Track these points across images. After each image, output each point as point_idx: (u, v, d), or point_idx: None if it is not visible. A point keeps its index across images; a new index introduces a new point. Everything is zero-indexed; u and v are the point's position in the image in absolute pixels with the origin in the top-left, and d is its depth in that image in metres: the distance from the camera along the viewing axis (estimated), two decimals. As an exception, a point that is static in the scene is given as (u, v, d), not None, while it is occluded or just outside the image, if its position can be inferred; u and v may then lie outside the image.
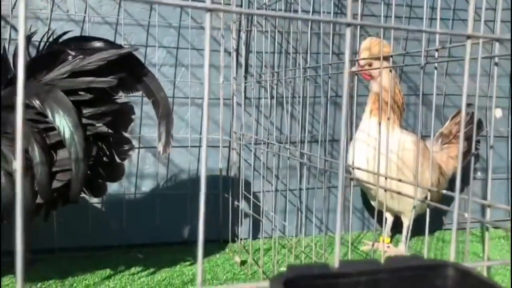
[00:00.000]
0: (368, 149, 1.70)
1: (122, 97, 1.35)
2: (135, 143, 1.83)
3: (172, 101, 1.86)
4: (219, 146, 1.89)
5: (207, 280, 1.58)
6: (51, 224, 1.70)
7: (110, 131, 1.31)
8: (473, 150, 1.96)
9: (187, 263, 1.69)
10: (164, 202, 1.88)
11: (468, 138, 2.00)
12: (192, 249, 1.80)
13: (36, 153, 1.17)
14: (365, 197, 2.08)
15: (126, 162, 1.76)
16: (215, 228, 1.91)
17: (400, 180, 1.20)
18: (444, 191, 0.96)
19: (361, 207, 2.15)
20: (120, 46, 1.36)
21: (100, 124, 1.25)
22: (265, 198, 1.89)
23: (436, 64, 0.90)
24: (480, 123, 2.05)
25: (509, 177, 2.23)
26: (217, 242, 1.91)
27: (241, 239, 1.87)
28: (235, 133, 1.91)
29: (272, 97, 1.94)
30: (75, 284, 1.51)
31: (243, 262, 1.71)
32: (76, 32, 1.63)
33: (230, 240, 1.91)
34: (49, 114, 1.18)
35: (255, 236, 1.91)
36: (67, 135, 1.18)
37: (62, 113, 1.18)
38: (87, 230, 1.75)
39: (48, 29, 1.68)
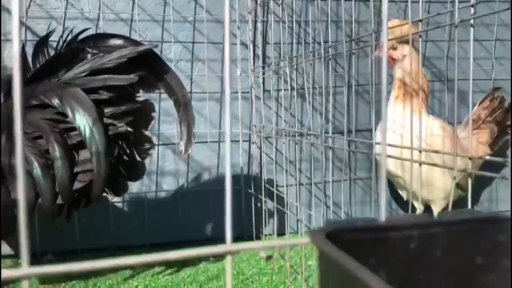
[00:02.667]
0: (394, 137, 1.64)
1: (141, 96, 1.33)
2: (154, 140, 1.80)
3: (190, 96, 1.82)
4: (239, 141, 1.84)
5: (232, 275, 1.53)
6: (74, 225, 1.67)
7: (130, 129, 1.29)
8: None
9: (211, 259, 1.65)
10: (185, 199, 1.84)
11: (498, 123, 1.92)
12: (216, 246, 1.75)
13: (57, 153, 1.14)
14: (392, 187, 2.01)
15: (146, 160, 1.74)
16: (238, 224, 1.86)
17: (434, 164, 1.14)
18: (488, 157, 0.88)
19: (389, 198, 2.08)
20: (139, 43, 1.33)
21: (122, 124, 1.23)
22: (289, 192, 1.84)
23: (472, 21, 0.84)
24: (510, 107, 1.97)
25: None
26: (241, 239, 1.86)
27: (265, 235, 1.82)
28: (255, 126, 1.87)
29: (292, 88, 1.89)
30: (98, 284, 1.48)
31: (268, 257, 1.66)
32: (91, 31, 1.61)
33: (254, 237, 1.86)
34: (69, 113, 1.16)
35: (280, 232, 1.86)
36: (87, 134, 1.16)
37: (82, 112, 1.15)
38: (109, 230, 1.72)
39: (64, 28, 1.66)
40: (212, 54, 1.84)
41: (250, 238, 1.86)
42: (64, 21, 1.70)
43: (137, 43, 1.30)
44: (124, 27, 1.77)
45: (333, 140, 1.95)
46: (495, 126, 1.90)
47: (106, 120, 1.20)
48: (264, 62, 1.88)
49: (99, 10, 1.73)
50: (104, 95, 1.20)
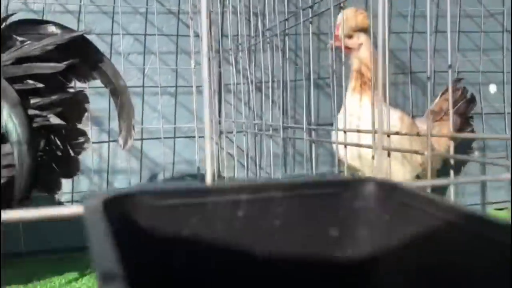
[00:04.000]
0: (351, 128, 1.58)
1: (76, 87, 1.25)
2: (104, 136, 1.73)
3: (143, 90, 1.76)
4: (194, 136, 1.78)
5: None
6: (17, 226, 1.59)
7: (62, 122, 1.21)
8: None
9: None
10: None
11: (461, 115, 1.87)
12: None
13: None
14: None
15: (95, 157, 1.66)
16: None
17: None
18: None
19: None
20: (71, 30, 1.26)
21: (50, 115, 1.15)
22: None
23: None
24: (473, 98, 1.92)
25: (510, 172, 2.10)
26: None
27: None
28: (211, 121, 1.80)
29: (250, 82, 1.83)
30: (39, 287, 1.40)
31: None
32: (73, 24, 1.55)
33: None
34: None
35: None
36: (8, 125, 1.07)
37: (5, 104, 1.07)
38: (56, 231, 1.64)
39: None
40: (165, 46, 1.77)
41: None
42: (6, 13, 1.62)
43: (70, 30, 1.23)
44: (72, 20, 1.69)
45: (294, 132, 1.89)
46: (458, 118, 1.85)
47: (32, 112, 1.12)
48: (219, 53, 1.82)
49: (44, 1, 1.65)
50: (30, 84, 1.12)
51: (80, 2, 1.69)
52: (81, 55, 1.19)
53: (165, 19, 1.77)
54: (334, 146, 1.63)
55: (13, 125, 1.06)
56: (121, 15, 1.71)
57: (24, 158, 1.07)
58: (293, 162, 1.88)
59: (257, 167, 1.83)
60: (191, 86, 1.78)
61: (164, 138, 1.76)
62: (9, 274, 1.49)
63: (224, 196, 0.30)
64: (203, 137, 1.83)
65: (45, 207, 0.36)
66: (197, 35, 1.79)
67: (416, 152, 1.01)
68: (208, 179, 0.32)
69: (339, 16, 1.57)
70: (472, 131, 2.05)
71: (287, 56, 1.86)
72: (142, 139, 1.76)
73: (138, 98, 1.75)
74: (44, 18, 1.65)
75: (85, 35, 1.20)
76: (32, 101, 1.13)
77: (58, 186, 1.25)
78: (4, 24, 1.19)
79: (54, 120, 1.18)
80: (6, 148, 1.07)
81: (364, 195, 0.33)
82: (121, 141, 1.23)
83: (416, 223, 0.29)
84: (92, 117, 1.65)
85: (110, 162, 1.73)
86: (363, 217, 0.33)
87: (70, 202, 1.70)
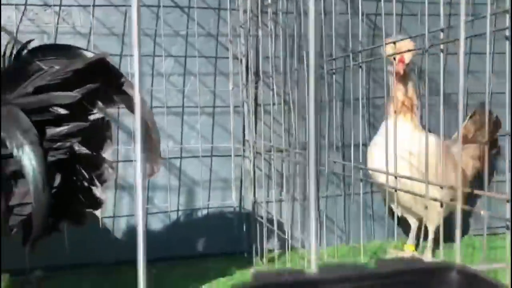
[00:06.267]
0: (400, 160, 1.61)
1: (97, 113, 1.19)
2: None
3: (182, 111, 1.82)
4: (231, 155, 1.83)
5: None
6: (63, 240, 1.66)
7: (86, 151, 1.15)
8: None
9: (197, 277, 1.63)
10: (176, 214, 1.82)
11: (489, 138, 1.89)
12: (208, 263, 1.74)
13: None
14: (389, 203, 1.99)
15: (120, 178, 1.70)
16: (230, 240, 1.84)
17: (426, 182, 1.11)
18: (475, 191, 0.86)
19: (382, 213, 2.05)
20: (93, 54, 1.20)
21: (74, 144, 1.10)
22: (281, 208, 1.82)
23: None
24: (498, 121, 1.93)
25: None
26: (233, 255, 1.84)
27: (258, 251, 1.80)
28: (247, 141, 1.85)
29: (285, 103, 1.87)
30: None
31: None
32: (82, 45, 1.61)
33: (248, 253, 1.84)
34: (6, 141, 1.02)
35: (273, 247, 1.84)
36: (25, 163, 1.02)
37: (21, 138, 1.02)
38: (99, 246, 1.70)
39: (14, 40, 1.66)
40: (204, 68, 1.83)
41: (242, 254, 1.84)
42: (56, 35, 1.70)
43: (90, 54, 1.18)
44: (116, 42, 1.76)
45: (327, 153, 1.93)
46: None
47: (49, 144, 1.07)
48: (257, 76, 1.87)
49: (91, 24, 1.72)
50: (49, 115, 1.07)
51: (124, 24, 1.76)
52: (103, 79, 1.13)
53: (204, 42, 1.83)
54: (370, 170, 1.66)
55: (29, 163, 1.02)
56: (163, 37, 1.77)
57: (40, 196, 1.02)
58: (326, 182, 1.91)
59: (290, 186, 1.87)
60: (228, 106, 1.84)
61: (202, 156, 1.82)
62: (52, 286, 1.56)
63: (332, 285, 0.34)
64: (239, 156, 1.88)
65: None
66: (236, 58, 1.85)
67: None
68: (313, 267, 0.36)
69: (392, 46, 1.58)
70: (498, 152, 2.06)
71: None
72: (181, 157, 1.82)
73: (178, 118, 1.81)
74: (90, 40, 1.72)
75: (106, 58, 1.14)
76: (51, 130, 1.08)
77: (84, 218, 1.19)
78: (25, 49, 1.17)
79: (78, 148, 1.13)
80: (25, 184, 1.02)
81: (447, 281, 0.37)
82: (148, 170, 1.17)
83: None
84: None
85: (150, 179, 1.79)
86: (447, 301, 0.37)
87: (112, 218, 1.76)
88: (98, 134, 1.17)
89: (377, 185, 1.85)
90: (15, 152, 1.03)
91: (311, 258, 0.37)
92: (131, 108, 1.16)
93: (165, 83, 1.77)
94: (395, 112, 1.66)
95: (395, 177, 1.17)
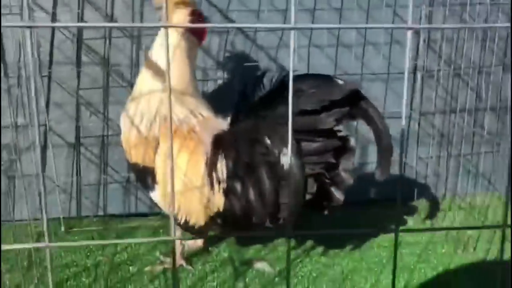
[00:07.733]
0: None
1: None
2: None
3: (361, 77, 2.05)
4: (400, 117, 2.06)
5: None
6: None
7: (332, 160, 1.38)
8: None
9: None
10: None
11: None
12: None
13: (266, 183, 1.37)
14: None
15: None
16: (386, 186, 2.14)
17: None
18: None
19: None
20: (344, 83, 1.38)
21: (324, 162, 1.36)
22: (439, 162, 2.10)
23: None
24: None
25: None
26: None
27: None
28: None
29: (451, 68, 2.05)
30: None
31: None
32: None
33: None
34: (276, 153, 1.34)
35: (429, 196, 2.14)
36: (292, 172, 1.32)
37: (287, 153, 1.33)
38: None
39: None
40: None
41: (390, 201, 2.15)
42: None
43: (340, 82, 1.38)
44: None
45: (483, 116, 2.13)
46: None
47: (308, 159, 1.34)
48: (428, 45, 2.05)
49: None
50: (310, 137, 1.34)
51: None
52: (352, 103, 1.35)
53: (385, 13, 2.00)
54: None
55: (294, 170, 1.34)
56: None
57: (296, 201, 1.36)
58: (480, 141, 2.15)
59: (448, 145, 2.12)
60: (403, 73, 2.04)
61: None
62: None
63: None
64: (407, 117, 2.11)
65: None
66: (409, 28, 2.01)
67: None
68: None
69: None
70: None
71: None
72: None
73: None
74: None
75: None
76: (308, 146, 1.35)
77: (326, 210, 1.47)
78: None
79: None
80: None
81: None
82: (378, 173, 1.40)
83: None
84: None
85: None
86: None
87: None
88: (343, 154, 1.42)
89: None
90: (283, 164, 1.35)
91: None
92: (369, 124, 1.37)
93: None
94: None
95: None
